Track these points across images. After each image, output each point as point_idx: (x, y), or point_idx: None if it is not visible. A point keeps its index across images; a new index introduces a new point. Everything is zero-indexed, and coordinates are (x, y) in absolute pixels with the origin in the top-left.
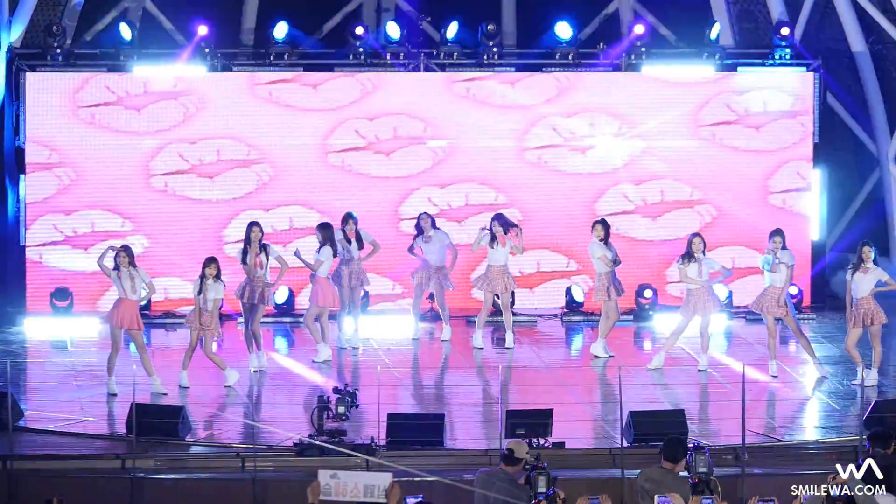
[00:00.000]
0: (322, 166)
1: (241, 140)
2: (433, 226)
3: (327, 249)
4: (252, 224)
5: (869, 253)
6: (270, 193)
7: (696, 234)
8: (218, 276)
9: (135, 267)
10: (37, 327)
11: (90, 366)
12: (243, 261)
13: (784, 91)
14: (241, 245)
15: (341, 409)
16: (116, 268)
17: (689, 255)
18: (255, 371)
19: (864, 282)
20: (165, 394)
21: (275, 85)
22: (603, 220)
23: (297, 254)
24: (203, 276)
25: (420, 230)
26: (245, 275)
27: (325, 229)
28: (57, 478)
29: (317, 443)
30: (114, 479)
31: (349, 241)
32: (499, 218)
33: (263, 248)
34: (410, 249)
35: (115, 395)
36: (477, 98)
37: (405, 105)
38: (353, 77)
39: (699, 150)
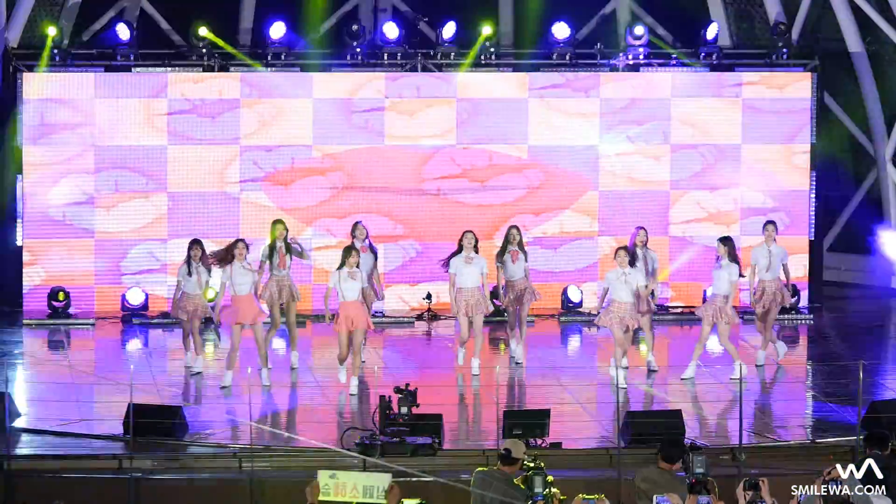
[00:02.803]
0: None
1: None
2: (475, 250)
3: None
4: (275, 222)
5: (722, 249)
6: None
7: (641, 227)
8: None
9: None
10: (33, 327)
11: (88, 366)
12: (269, 258)
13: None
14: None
15: (404, 410)
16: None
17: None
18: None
19: (719, 279)
20: (269, 385)
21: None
22: (625, 246)
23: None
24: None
25: (460, 249)
26: (269, 274)
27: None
28: (54, 478)
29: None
30: (111, 479)
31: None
32: (517, 227)
33: (288, 247)
34: (445, 264)
35: (227, 386)
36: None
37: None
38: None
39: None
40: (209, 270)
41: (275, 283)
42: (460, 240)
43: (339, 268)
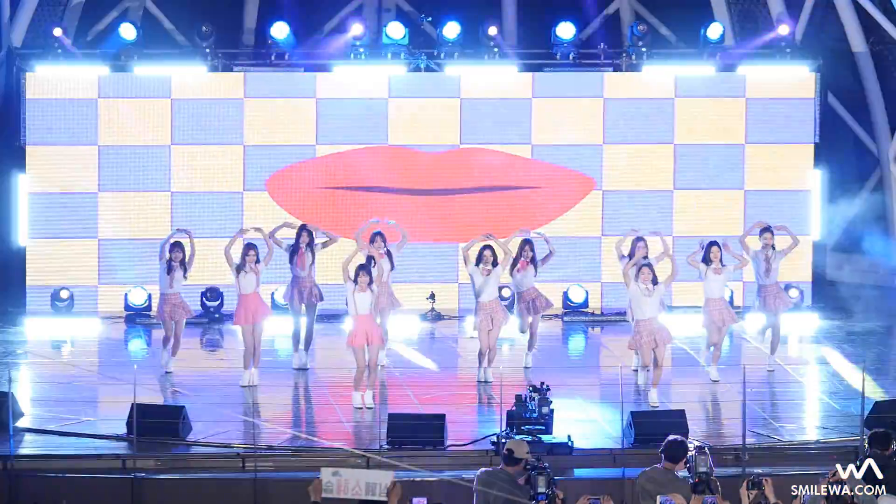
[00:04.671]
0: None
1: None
2: (494, 263)
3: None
4: (302, 227)
5: (718, 252)
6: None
7: (641, 238)
8: None
9: (258, 262)
10: (37, 327)
11: (90, 366)
12: (291, 261)
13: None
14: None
15: (545, 410)
16: (242, 266)
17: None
18: (297, 368)
19: (717, 282)
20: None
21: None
22: (648, 264)
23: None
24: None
25: (479, 260)
26: (293, 276)
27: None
28: (57, 478)
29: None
30: (114, 479)
31: (373, 262)
32: (531, 243)
33: (311, 249)
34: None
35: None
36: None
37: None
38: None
39: None
40: (185, 273)
41: (295, 284)
42: (479, 252)
43: (354, 280)
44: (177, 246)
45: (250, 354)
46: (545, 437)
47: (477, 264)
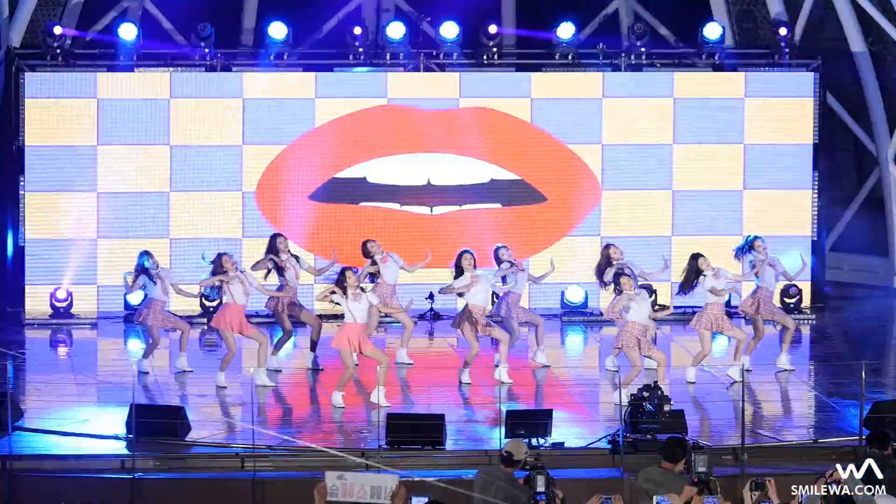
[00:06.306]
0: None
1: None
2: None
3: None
4: (276, 235)
5: (704, 262)
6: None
7: (610, 244)
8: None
9: (242, 272)
10: (36, 327)
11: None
12: (280, 273)
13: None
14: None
15: (666, 408)
16: (224, 272)
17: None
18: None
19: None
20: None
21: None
22: (621, 272)
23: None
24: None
25: (461, 271)
26: (280, 285)
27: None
28: (57, 478)
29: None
30: (114, 479)
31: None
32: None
33: (295, 258)
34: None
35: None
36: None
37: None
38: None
39: None
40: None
41: (285, 293)
42: (458, 262)
43: (343, 290)
44: (146, 254)
45: (230, 358)
46: (659, 435)
47: (461, 274)
